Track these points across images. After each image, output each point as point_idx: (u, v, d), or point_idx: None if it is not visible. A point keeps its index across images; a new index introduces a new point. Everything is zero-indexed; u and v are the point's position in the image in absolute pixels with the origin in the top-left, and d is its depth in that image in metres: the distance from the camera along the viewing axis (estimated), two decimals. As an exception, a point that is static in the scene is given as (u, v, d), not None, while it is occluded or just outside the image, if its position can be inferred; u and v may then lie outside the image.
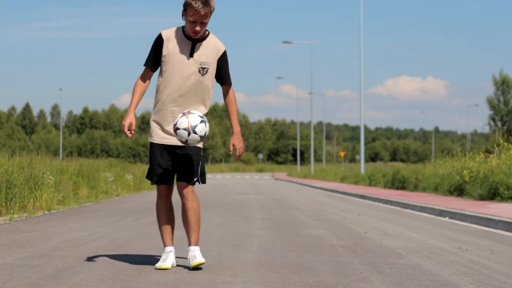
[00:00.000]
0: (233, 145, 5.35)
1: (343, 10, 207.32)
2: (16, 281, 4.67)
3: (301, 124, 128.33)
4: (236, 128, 5.38)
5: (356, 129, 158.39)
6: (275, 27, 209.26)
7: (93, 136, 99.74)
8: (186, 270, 5.21)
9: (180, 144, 5.16)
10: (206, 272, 5.11)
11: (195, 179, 5.20)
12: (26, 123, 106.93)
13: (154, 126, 5.26)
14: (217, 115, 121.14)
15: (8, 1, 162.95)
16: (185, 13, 5.10)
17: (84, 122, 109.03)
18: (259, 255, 6.20)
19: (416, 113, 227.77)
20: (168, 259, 5.26)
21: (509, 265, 5.84)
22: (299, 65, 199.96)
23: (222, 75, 5.32)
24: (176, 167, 5.24)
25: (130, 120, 5.17)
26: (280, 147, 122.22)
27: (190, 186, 5.20)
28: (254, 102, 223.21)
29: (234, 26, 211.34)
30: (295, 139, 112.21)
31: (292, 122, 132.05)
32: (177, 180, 5.27)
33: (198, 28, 5.09)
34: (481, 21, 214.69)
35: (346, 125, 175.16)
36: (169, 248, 5.31)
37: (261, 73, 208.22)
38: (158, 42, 5.20)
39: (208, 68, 5.22)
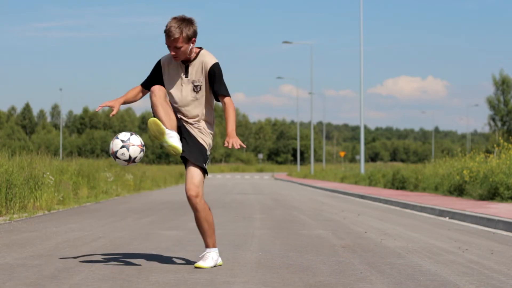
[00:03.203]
0: (227, 142, 5.19)
1: (343, 10, 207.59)
2: (16, 281, 4.67)
3: (301, 124, 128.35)
4: (229, 129, 5.23)
5: (356, 129, 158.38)
6: (275, 27, 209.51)
7: (93, 136, 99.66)
8: (186, 270, 5.21)
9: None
10: (206, 272, 5.11)
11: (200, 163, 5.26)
12: (26, 123, 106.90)
13: None
14: (217, 115, 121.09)
15: (8, 1, 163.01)
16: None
17: (84, 122, 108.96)
18: (259, 255, 6.20)
19: (416, 113, 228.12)
20: None
21: (509, 265, 5.84)
22: (299, 65, 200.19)
23: (213, 88, 5.31)
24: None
25: (112, 103, 5.38)
26: (280, 147, 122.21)
27: (196, 190, 5.22)
28: (254, 102, 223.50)
29: (234, 26, 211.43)
30: (295, 139, 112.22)
31: (292, 122, 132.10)
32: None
33: (172, 53, 5.25)
34: (481, 21, 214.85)
35: (346, 125, 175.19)
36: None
37: (261, 73, 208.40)
38: (157, 68, 5.44)
39: (200, 85, 5.33)
